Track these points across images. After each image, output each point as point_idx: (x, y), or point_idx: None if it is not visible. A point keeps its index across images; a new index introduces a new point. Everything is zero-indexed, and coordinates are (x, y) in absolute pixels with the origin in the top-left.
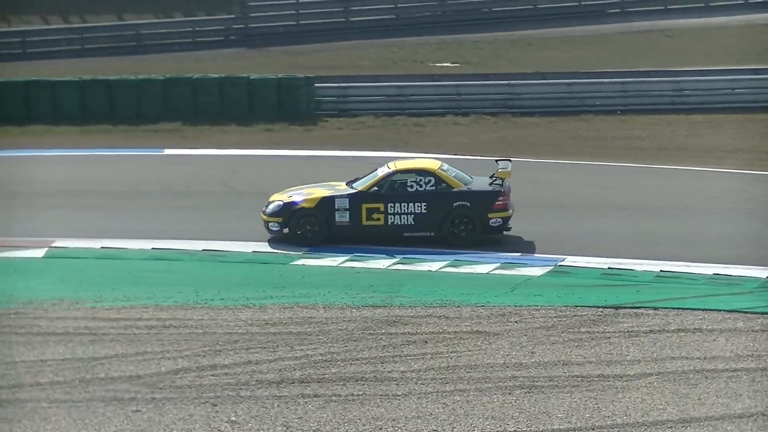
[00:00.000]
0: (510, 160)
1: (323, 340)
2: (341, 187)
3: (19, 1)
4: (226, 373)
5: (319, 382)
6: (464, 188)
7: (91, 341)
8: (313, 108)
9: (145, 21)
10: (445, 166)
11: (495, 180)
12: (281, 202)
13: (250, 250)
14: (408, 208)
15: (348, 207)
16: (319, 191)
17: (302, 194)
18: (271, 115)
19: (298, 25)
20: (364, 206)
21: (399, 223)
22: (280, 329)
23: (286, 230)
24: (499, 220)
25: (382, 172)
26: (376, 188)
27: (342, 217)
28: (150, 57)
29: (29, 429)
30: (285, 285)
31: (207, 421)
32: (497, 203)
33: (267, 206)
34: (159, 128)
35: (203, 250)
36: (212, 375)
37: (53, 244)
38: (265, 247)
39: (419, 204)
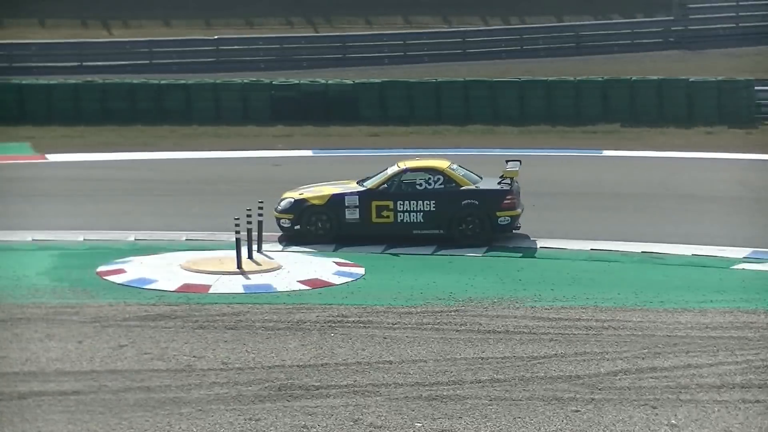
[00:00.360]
0: (519, 161)
1: (764, 346)
2: (352, 186)
3: (462, 3)
4: (666, 376)
5: (760, 388)
6: (473, 187)
7: (530, 340)
8: (754, 111)
9: (584, 22)
10: (455, 166)
11: (503, 179)
12: (292, 199)
13: (690, 253)
14: (417, 206)
15: (358, 204)
16: (330, 189)
17: (313, 192)
18: (710, 117)
19: (737, 27)
20: (374, 204)
21: (408, 220)
22: (720, 333)
23: (297, 227)
24: (507, 218)
25: (391, 170)
26: (385, 186)
27: (352, 215)
28: (589, 58)
29: (469, 425)
30: (725, 289)
31: (647, 424)
32: (505, 202)
33: (279, 203)
34: (597, 129)
35: (642, 252)
36: (651, 377)
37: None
38: (704, 250)
39: (428, 202)
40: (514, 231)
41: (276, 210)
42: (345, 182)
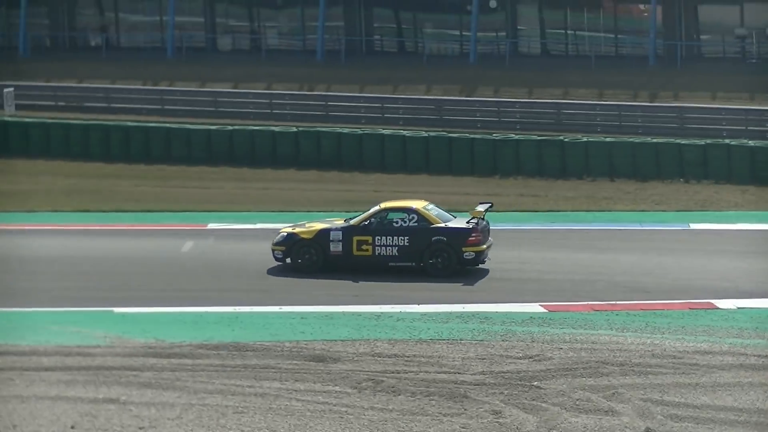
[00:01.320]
0: (491, 204)
1: None
2: (339, 222)
3: None
4: None
5: None
6: (442, 225)
7: None
8: None
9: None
10: (430, 206)
11: (472, 219)
12: (285, 233)
13: None
14: (393, 240)
15: (341, 239)
16: (319, 225)
17: (304, 227)
18: None
19: None
20: (355, 238)
21: (385, 254)
22: None
23: (288, 260)
24: (472, 253)
25: (373, 209)
26: (366, 223)
27: (336, 247)
28: None
29: None
30: None
31: None
32: (471, 239)
33: (275, 237)
34: None
35: None
36: None
37: None
38: None
39: (402, 237)
40: (480, 265)
41: (272, 243)
42: (334, 220)
